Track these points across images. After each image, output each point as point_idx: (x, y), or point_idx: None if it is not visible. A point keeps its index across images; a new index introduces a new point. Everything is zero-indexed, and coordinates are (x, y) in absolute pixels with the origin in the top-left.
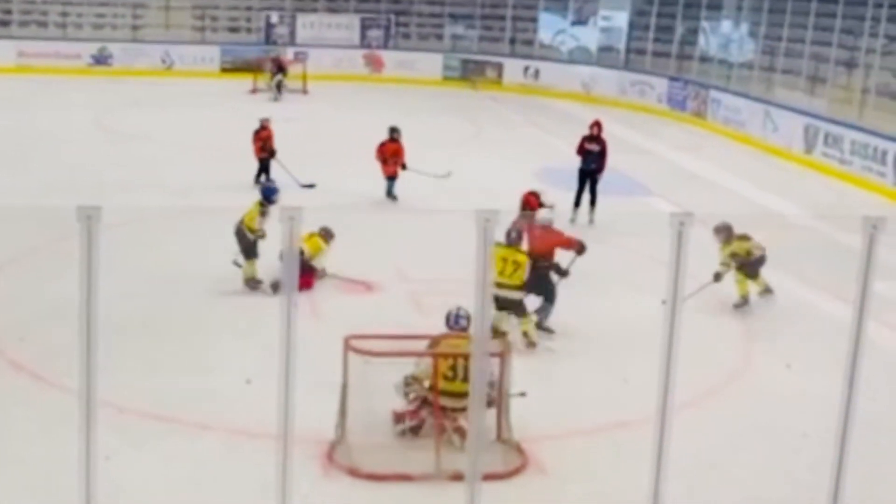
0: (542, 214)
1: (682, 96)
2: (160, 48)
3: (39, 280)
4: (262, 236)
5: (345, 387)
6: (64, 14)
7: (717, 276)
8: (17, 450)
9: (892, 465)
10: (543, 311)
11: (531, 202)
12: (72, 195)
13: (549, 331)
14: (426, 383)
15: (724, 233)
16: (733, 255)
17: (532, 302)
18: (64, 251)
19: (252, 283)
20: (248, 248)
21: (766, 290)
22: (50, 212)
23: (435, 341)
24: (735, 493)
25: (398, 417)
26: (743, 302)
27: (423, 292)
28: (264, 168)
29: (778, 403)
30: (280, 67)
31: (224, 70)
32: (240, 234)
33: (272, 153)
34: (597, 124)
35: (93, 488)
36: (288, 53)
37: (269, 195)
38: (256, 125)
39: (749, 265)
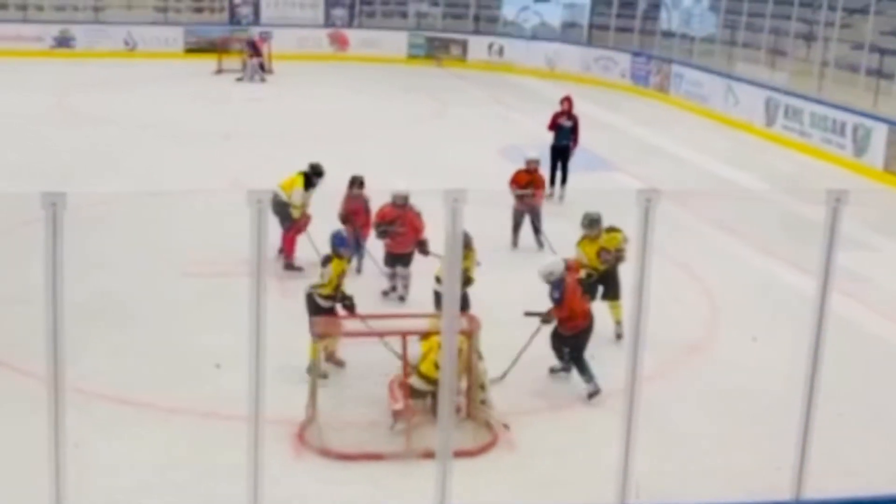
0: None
1: (644, 71)
2: (123, 29)
3: (3, 266)
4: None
5: (314, 368)
6: None
7: (585, 282)
8: None
9: (855, 434)
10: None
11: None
12: (35, 179)
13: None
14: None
15: (596, 226)
16: (602, 251)
17: None
18: (28, 236)
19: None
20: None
21: (619, 326)
22: (13, 196)
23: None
24: (701, 464)
25: (397, 415)
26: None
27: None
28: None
29: (743, 375)
30: (255, 50)
31: (188, 50)
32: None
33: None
34: (567, 100)
35: (62, 475)
36: (252, 33)
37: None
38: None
39: (610, 279)
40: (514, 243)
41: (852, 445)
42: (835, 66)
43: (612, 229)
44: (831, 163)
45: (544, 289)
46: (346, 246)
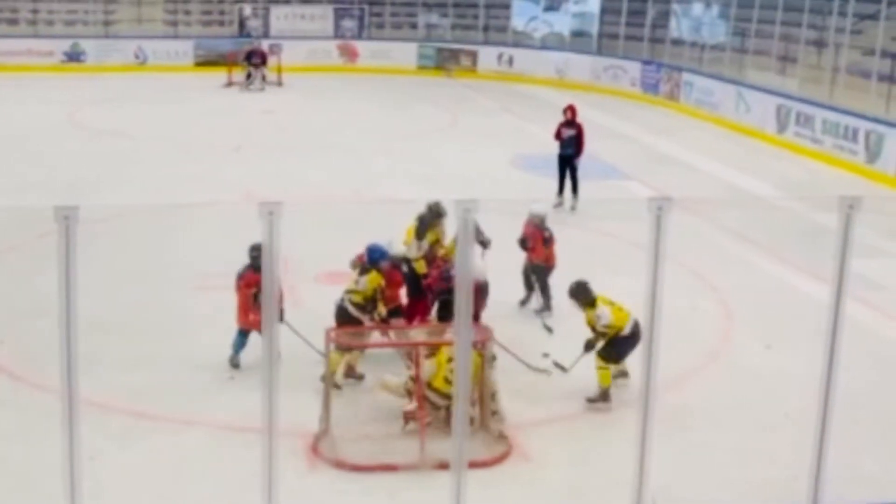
0: None
1: (654, 79)
2: (133, 43)
3: (16, 280)
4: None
5: (328, 379)
6: (34, 11)
7: (590, 345)
8: None
9: (872, 442)
10: None
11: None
12: (47, 193)
13: None
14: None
15: (583, 296)
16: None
17: None
18: (40, 250)
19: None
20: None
21: (623, 374)
22: (26, 211)
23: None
24: (717, 474)
25: (409, 415)
26: (602, 397)
27: None
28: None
29: (758, 384)
30: (263, 60)
31: (198, 64)
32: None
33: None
34: (570, 108)
35: (77, 487)
36: (262, 45)
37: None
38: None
39: (619, 341)
40: (523, 301)
41: (869, 453)
42: (846, 72)
43: (595, 303)
44: (844, 169)
45: None
46: (385, 259)
